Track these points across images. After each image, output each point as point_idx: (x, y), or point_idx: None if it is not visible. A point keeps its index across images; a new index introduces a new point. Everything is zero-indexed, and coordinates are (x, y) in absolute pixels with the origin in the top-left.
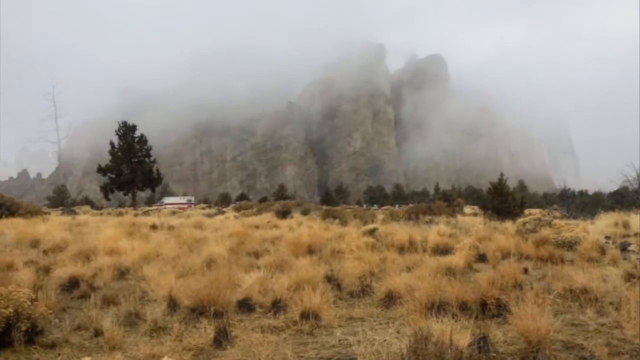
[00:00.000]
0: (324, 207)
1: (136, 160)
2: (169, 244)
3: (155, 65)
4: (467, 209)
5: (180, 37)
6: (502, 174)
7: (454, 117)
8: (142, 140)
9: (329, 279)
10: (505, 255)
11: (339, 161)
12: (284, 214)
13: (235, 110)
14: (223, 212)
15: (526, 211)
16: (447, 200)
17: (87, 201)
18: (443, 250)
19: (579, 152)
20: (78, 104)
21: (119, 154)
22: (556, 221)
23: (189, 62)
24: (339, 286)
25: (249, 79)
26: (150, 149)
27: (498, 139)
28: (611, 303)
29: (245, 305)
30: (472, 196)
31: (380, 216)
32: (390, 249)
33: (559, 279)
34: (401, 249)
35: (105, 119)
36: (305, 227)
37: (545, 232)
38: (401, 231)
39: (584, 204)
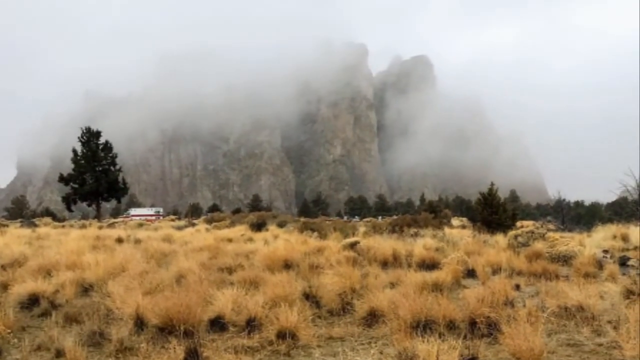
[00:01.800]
0: (302, 219)
1: (100, 168)
2: (135, 258)
3: (120, 67)
4: (455, 221)
5: (145, 37)
6: (492, 184)
7: (441, 123)
8: (107, 147)
9: (307, 296)
10: (496, 270)
11: (317, 170)
12: (258, 226)
13: (206, 116)
14: (194, 225)
15: (518, 223)
16: (433, 212)
17: (48, 212)
18: (429, 265)
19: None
20: (38, 108)
21: (82, 162)
22: (550, 234)
23: (156, 64)
24: (317, 303)
25: (219, 81)
26: (116, 156)
27: (488, 146)
28: (609, 322)
29: (218, 324)
30: (461, 207)
31: (362, 229)
32: (372, 263)
33: (553, 295)
34: (384, 264)
35: (68, 125)
36: (281, 240)
37: (539, 245)
38: (384, 245)
39: (580, 216)
